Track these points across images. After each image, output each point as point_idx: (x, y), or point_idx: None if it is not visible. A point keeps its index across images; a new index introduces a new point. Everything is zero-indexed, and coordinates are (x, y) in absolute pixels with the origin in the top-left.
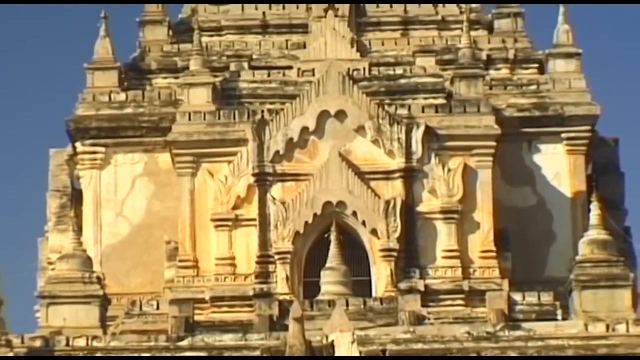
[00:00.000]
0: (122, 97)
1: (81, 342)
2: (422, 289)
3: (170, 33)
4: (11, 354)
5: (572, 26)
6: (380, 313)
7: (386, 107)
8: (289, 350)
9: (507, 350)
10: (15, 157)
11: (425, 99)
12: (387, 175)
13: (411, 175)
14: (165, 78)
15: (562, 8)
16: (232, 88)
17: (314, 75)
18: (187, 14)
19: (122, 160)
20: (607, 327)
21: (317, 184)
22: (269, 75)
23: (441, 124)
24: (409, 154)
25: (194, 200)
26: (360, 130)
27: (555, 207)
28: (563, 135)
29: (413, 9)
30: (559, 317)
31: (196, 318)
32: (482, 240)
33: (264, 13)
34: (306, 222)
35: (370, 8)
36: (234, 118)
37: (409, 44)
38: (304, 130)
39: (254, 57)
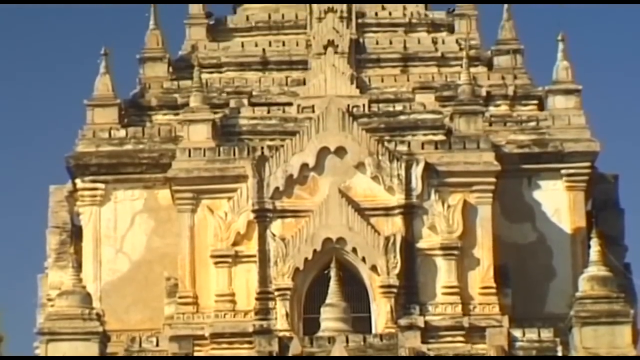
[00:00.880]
0: (122, 133)
1: None
2: (422, 325)
3: (170, 69)
4: None
5: (571, 62)
6: (380, 349)
7: (386, 144)
8: None
9: None
10: (15, 193)
11: (425, 135)
12: (387, 211)
13: (411, 212)
14: (165, 114)
15: (561, 45)
16: (231, 124)
17: (313, 111)
18: (186, 51)
19: (121, 196)
20: None
21: (317, 220)
22: (268, 112)
23: (441, 160)
24: (408, 190)
25: (194, 236)
26: (360, 166)
27: (555, 243)
28: (562, 172)
29: (412, 45)
30: (559, 354)
31: (195, 354)
32: (481, 276)
33: (263, 49)
34: (306, 259)
35: (369, 44)
36: (234, 154)
37: (408, 80)
38: (304, 166)
39: (254, 93)
